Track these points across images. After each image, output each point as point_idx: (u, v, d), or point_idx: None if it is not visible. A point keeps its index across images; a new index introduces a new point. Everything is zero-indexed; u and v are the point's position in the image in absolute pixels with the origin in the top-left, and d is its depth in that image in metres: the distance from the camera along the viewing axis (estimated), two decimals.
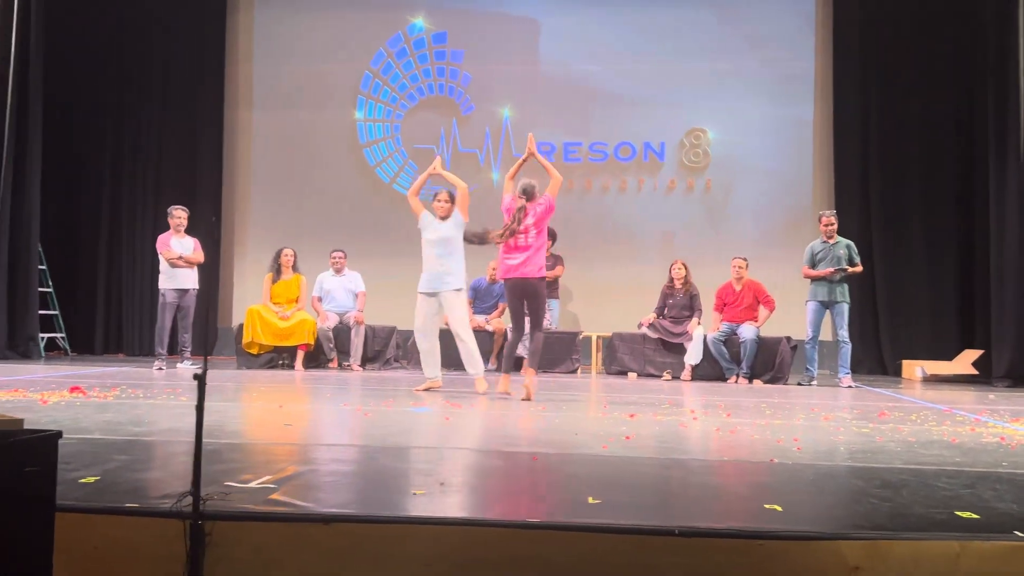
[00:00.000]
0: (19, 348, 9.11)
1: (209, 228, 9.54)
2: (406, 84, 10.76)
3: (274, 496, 2.65)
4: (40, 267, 9.75)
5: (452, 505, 2.67)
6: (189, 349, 8.50)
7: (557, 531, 2.37)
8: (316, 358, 8.79)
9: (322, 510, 2.49)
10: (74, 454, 3.27)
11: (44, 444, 2.16)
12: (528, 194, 6.08)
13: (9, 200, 8.96)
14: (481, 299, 9.29)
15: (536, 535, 2.36)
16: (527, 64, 10.58)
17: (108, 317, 10.51)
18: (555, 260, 9.52)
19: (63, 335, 10.21)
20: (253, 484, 2.80)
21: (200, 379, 2.48)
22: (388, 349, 8.96)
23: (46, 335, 9.83)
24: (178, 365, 8.31)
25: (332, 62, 10.76)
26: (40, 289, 9.71)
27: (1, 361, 8.59)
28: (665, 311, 8.65)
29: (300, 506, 2.55)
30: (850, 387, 7.69)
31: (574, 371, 8.80)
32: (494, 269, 9.26)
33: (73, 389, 5.74)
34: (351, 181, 10.75)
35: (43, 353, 9.52)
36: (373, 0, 10.82)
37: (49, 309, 10.04)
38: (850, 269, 7.94)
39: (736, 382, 8.10)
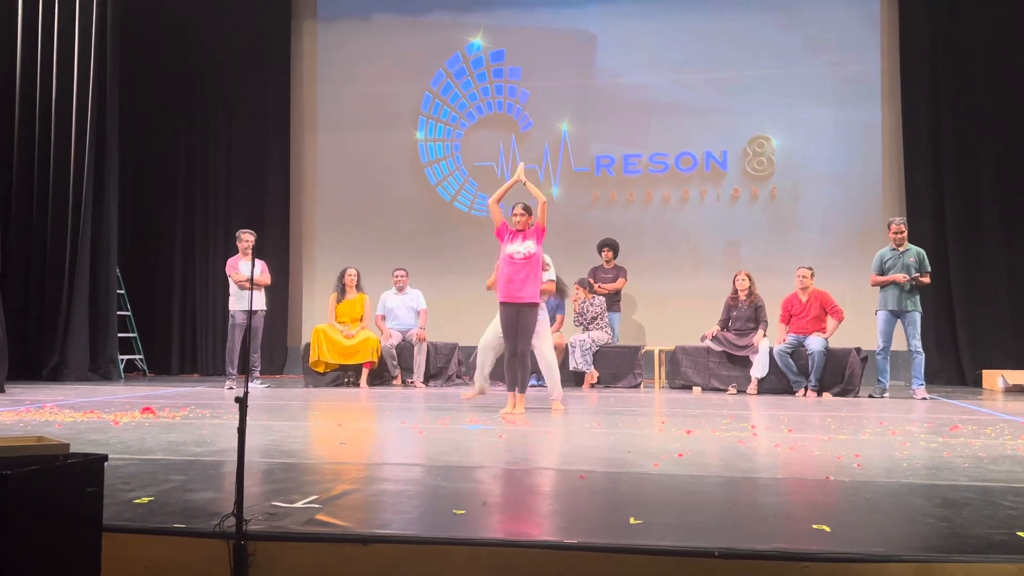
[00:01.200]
0: (100, 370, 9.49)
1: (276, 250, 9.78)
2: (465, 103, 10.88)
3: (318, 516, 2.69)
4: (119, 291, 10.16)
5: (491, 525, 2.66)
6: (258, 368, 8.73)
7: (592, 552, 2.34)
8: (380, 375, 8.92)
9: (361, 531, 2.52)
10: (133, 475, 3.38)
11: (90, 467, 2.24)
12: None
13: (89, 228, 9.37)
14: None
15: (571, 556, 2.33)
16: (584, 78, 10.59)
17: (183, 339, 10.87)
18: (617, 272, 9.47)
19: (141, 357, 10.60)
20: (299, 504, 2.85)
21: (241, 402, 2.53)
22: (450, 365, 9.03)
23: (125, 357, 10.22)
24: (227, 388, 8.52)
25: (393, 84, 10.96)
26: (119, 312, 10.11)
27: (83, 383, 8.96)
28: (729, 323, 8.49)
29: (340, 527, 2.58)
30: (924, 399, 7.42)
31: (637, 385, 8.71)
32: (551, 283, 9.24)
33: (145, 410, 5.94)
34: (413, 200, 10.90)
35: (123, 375, 9.89)
36: (432, 22, 10.99)
37: (128, 332, 10.44)
38: (920, 279, 7.66)
39: (804, 395, 7.90)
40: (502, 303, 6.10)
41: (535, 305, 6.10)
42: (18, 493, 2.00)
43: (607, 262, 9.61)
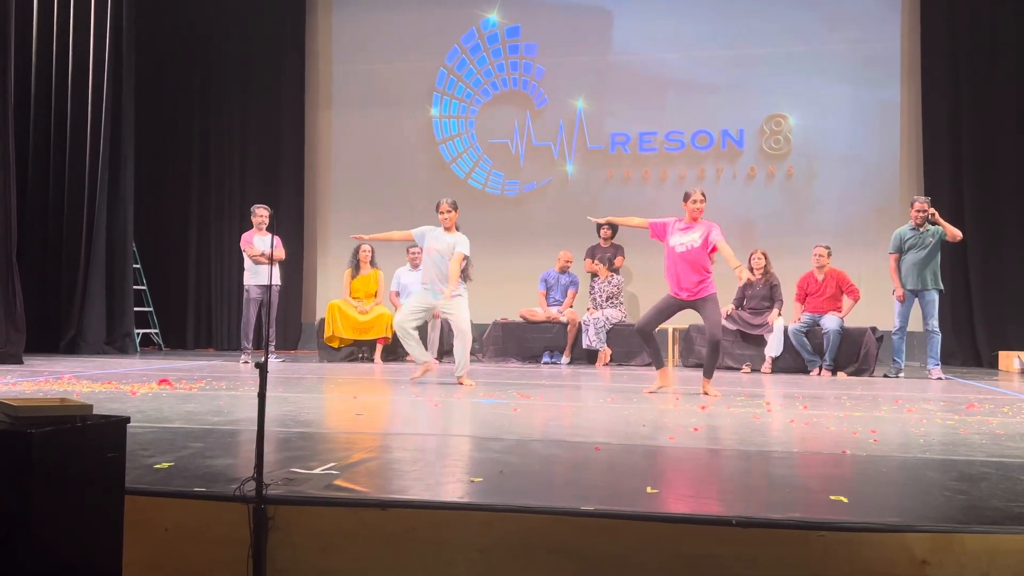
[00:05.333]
0: (116, 343, 9.57)
1: (291, 226, 9.81)
2: (480, 80, 10.83)
3: (336, 482, 2.71)
4: (135, 266, 10.22)
5: (509, 492, 2.67)
6: (273, 343, 8.77)
7: (611, 519, 2.35)
8: (394, 351, 8.95)
9: (380, 496, 2.54)
10: (153, 441, 3.41)
11: (113, 429, 2.26)
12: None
13: (106, 203, 9.42)
14: (552, 290, 9.28)
15: (589, 523, 2.34)
16: (600, 55, 10.50)
17: (198, 313, 10.93)
18: (615, 250, 9.43)
19: (157, 331, 10.68)
20: (317, 470, 2.87)
21: (262, 367, 2.55)
22: None
23: (141, 331, 10.30)
24: (251, 361, 8.57)
25: (408, 60, 10.91)
26: (135, 287, 10.17)
27: (99, 356, 9.03)
28: (744, 302, 8.47)
29: (359, 491, 2.60)
30: (940, 379, 7.38)
31: (650, 364, 8.68)
32: (566, 260, 9.25)
33: (161, 381, 5.99)
34: (427, 177, 10.88)
35: (138, 348, 9.97)
36: None
37: (144, 306, 10.51)
38: (945, 225, 7.53)
39: (819, 374, 7.87)
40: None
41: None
42: (42, 452, 2.02)
43: (604, 240, 9.56)
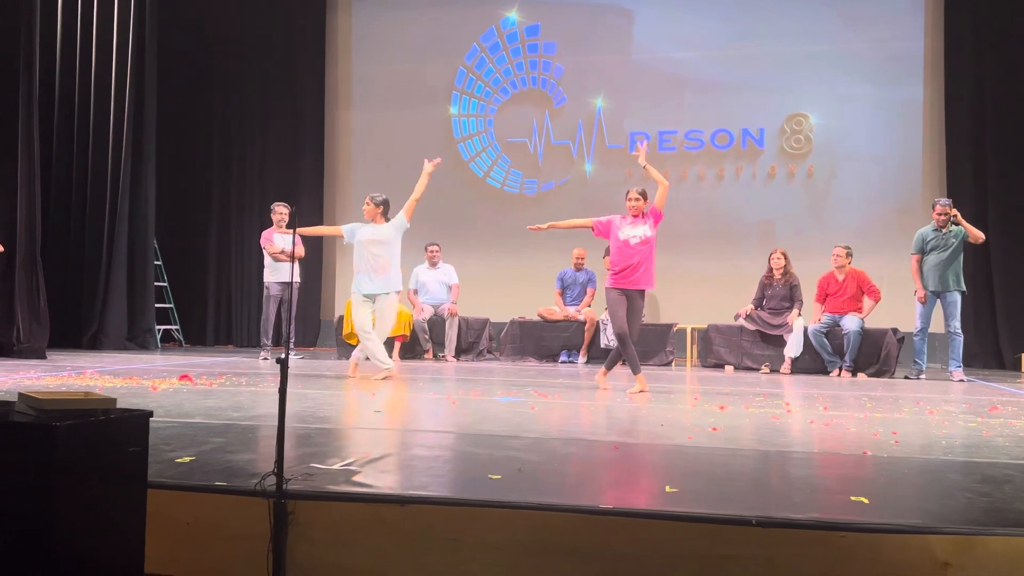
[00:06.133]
0: (137, 339, 9.66)
1: (310, 223, 9.84)
2: (499, 78, 10.83)
3: (354, 478, 2.72)
4: (156, 263, 10.31)
5: (527, 490, 2.67)
6: (293, 340, 8.80)
7: (629, 518, 2.34)
8: (412, 349, 8.98)
9: (398, 492, 2.55)
10: (174, 436, 3.44)
11: (137, 423, 2.28)
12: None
13: (128, 200, 9.50)
14: (569, 289, 9.25)
15: (608, 522, 2.34)
16: (620, 53, 10.47)
17: (218, 310, 11.01)
18: None
19: (177, 327, 10.76)
20: (336, 466, 2.89)
21: (283, 363, 2.56)
22: (481, 340, 9.06)
23: (162, 327, 10.38)
24: (275, 356, 8.62)
25: (427, 59, 10.93)
26: (156, 283, 10.26)
27: (121, 351, 9.12)
28: (763, 302, 8.42)
29: (378, 488, 2.61)
30: (962, 381, 7.30)
31: (668, 364, 8.68)
32: (579, 257, 9.21)
33: (182, 377, 6.04)
34: (446, 176, 10.83)
35: (159, 344, 10.05)
36: None
37: (164, 303, 10.60)
38: (968, 226, 7.46)
39: (839, 375, 7.82)
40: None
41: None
42: (67, 445, 2.04)
43: None
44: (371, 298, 6.55)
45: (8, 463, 2.05)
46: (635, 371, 5.98)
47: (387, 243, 6.53)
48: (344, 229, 6.81)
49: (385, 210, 6.67)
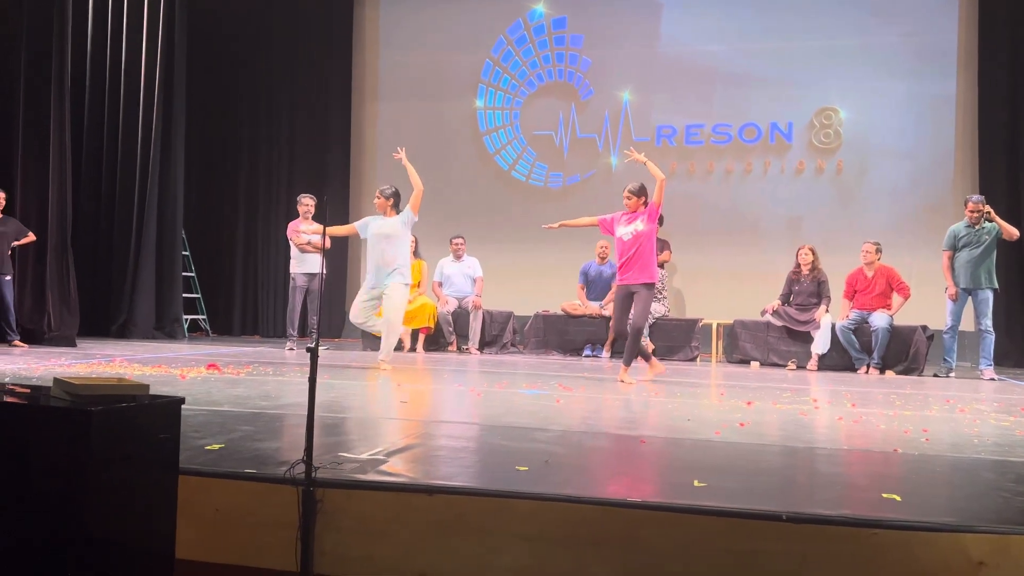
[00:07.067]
0: (165, 329, 9.76)
1: (337, 215, 9.91)
2: (525, 71, 10.80)
3: (383, 467, 2.73)
4: (184, 253, 10.41)
5: (555, 482, 2.66)
6: (317, 331, 8.87)
7: (657, 511, 2.33)
8: (436, 341, 9.00)
9: (426, 481, 2.55)
10: (203, 424, 3.47)
11: (169, 409, 2.30)
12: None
13: (156, 191, 9.60)
14: (593, 284, 9.21)
15: (636, 515, 2.33)
16: (647, 46, 10.41)
17: (245, 300, 11.11)
18: (661, 245, 9.30)
19: (205, 317, 10.87)
20: (364, 456, 2.90)
21: (312, 352, 2.57)
22: (505, 333, 9.07)
23: (189, 317, 10.48)
24: (308, 346, 8.66)
25: (454, 52, 10.93)
26: (184, 274, 10.36)
27: (149, 340, 9.22)
28: (791, 298, 8.35)
29: (406, 477, 2.62)
30: (992, 380, 7.20)
31: (693, 359, 8.63)
32: (603, 247, 9.15)
33: (210, 366, 6.09)
34: (471, 169, 10.90)
35: (187, 334, 10.15)
36: None
37: (192, 293, 10.70)
38: (1001, 223, 7.36)
39: (866, 373, 7.73)
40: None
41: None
42: (101, 429, 2.06)
43: None
44: (376, 297, 6.58)
45: (44, 446, 2.07)
46: (626, 363, 6.07)
47: (394, 236, 6.56)
48: (357, 226, 6.88)
49: (396, 202, 6.71)
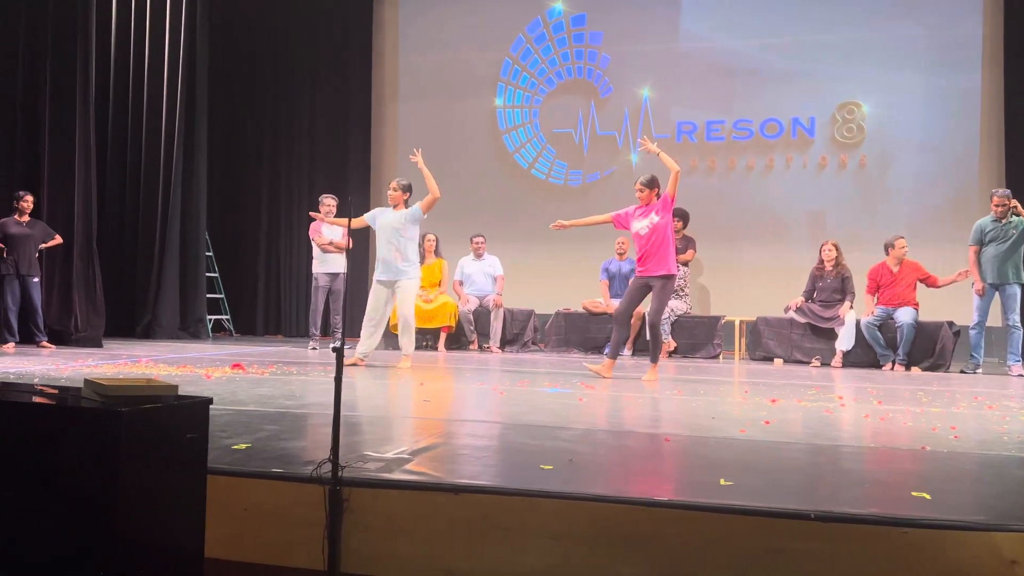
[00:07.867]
0: (189, 329, 9.85)
1: (357, 214, 9.92)
2: (544, 69, 10.79)
3: (408, 466, 2.74)
4: (207, 254, 10.49)
5: (580, 480, 2.66)
6: (340, 330, 8.91)
7: (683, 510, 2.32)
8: (457, 340, 9.02)
9: (452, 480, 2.55)
10: (229, 423, 3.50)
11: (197, 409, 2.32)
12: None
13: (180, 192, 9.68)
14: (614, 280, 9.17)
15: (662, 513, 2.32)
16: (667, 43, 10.35)
17: (268, 300, 11.17)
18: (687, 243, 9.27)
19: (228, 317, 10.95)
20: (389, 455, 2.91)
21: (338, 351, 2.59)
22: (526, 332, 9.06)
23: (213, 317, 10.57)
24: (331, 346, 8.71)
25: (473, 50, 10.93)
26: (207, 274, 10.45)
27: (174, 340, 9.30)
28: (814, 295, 8.28)
29: (432, 476, 2.63)
30: (1020, 376, 7.11)
31: (716, 356, 8.59)
32: (621, 244, 9.12)
33: (234, 366, 6.14)
34: (491, 168, 10.90)
35: (210, 334, 10.24)
36: None
37: (216, 293, 10.79)
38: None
39: (892, 369, 7.66)
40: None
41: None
42: (131, 429, 2.08)
43: (676, 232, 9.40)
44: (388, 285, 6.60)
45: (76, 446, 2.10)
46: (612, 356, 6.12)
47: (400, 230, 6.59)
48: (367, 217, 6.94)
49: (409, 196, 6.74)
